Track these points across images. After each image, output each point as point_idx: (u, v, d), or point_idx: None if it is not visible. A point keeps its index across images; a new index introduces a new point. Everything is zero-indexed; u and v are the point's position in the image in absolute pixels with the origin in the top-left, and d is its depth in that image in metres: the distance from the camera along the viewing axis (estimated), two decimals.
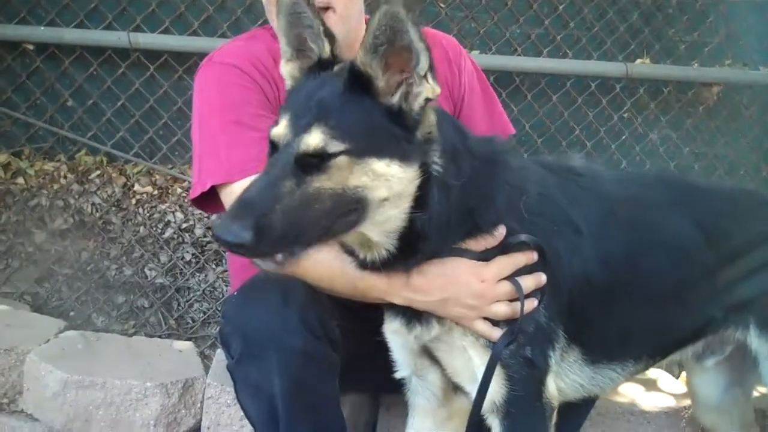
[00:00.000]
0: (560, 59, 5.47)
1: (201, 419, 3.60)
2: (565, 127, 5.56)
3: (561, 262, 2.54)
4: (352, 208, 2.21)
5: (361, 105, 2.25)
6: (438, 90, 2.27)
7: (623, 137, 5.67)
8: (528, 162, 2.78)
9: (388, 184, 2.24)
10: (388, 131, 2.25)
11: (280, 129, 2.23)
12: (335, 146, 2.16)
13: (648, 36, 5.63)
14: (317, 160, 2.16)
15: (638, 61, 5.55)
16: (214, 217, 2.73)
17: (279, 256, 2.14)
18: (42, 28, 4.85)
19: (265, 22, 3.10)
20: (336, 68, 2.35)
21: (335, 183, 2.17)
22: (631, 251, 2.70)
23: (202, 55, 3.19)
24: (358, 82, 2.24)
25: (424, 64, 2.23)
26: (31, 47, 4.88)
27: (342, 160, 2.17)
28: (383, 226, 2.31)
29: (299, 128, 2.19)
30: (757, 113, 5.90)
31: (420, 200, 2.31)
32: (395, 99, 2.26)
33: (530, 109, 5.44)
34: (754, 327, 2.87)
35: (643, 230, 2.75)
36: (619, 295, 2.68)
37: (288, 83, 2.46)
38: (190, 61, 4.88)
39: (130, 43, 4.79)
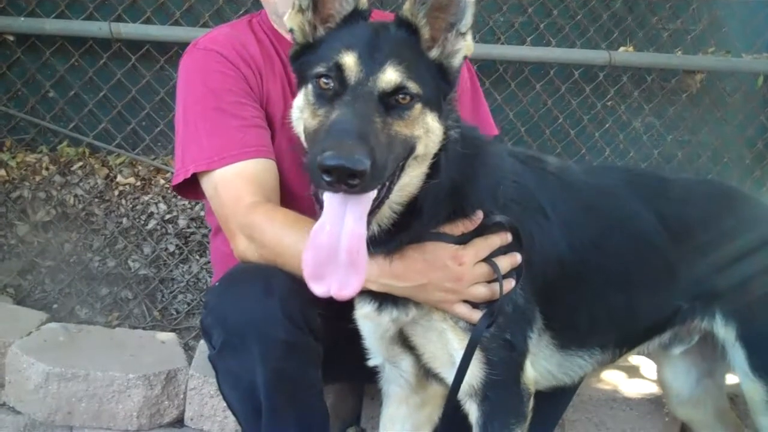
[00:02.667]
0: (544, 47, 5.47)
1: (184, 410, 3.59)
2: (548, 115, 5.57)
3: (534, 245, 2.55)
4: (406, 156, 2.19)
5: (416, 54, 2.26)
6: (473, 48, 2.28)
7: (607, 125, 5.69)
8: (503, 151, 2.79)
9: (428, 139, 2.24)
10: (436, 85, 2.27)
11: (350, 62, 2.16)
12: (413, 86, 2.15)
13: (631, 24, 5.64)
14: (398, 102, 2.14)
15: (621, 49, 5.57)
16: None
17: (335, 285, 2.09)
18: (22, 18, 4.81)
19: (247, 11, 3.08)
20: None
21: (409, 128, 2.16)
22: (595, 239, 2.72)
23: (183, 45, 3.17)
24: (406, 33, 2.25)
25: (468, 21, 2.24)
26: (11, 38, 4.85)
27: (418, 107, 2.17)
28: (403, 190, 2.29)
29: (373, 64, 2.15)
30: (740, 100, 5.92)
31: (432, 167, 2.31)
32: (434, 54, 2.27)
33: (514, 98, 5.45)
34: (719, 316, 2.90)
35: (606, 220, 2.78)
36: (586, 282, 2.71)
37: (297, 35, 2.36)
38: (171, 51, 4.87)
39: (112, 33, 4.76)
